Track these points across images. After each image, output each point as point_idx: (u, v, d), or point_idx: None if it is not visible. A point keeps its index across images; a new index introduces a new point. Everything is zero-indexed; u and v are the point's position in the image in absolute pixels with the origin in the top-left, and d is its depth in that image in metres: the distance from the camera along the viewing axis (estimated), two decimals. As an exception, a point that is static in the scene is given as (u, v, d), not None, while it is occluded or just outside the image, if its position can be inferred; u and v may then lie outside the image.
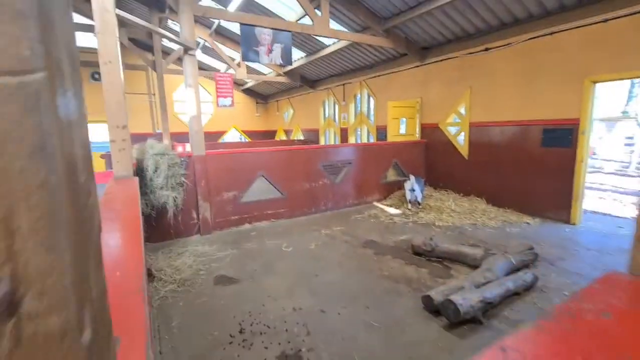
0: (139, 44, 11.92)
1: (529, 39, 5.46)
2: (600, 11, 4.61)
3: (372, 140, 9.56)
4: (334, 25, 7.29)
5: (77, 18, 9.40)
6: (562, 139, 5.19)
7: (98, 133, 11.53)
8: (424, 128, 7.72)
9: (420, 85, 7.70)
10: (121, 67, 2.44)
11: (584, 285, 2.76)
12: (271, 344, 2.51)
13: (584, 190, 5.15)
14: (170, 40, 4.86)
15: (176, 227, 4.87)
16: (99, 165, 9.21)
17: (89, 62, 10.06)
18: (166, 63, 9.23)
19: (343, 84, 10.45)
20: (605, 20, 4.61)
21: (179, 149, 8.84)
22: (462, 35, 6.45)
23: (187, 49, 4.82)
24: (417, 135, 7.82)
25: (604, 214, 5.73)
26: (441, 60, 7.06)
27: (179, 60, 8.10)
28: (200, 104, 5.03)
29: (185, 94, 5.04)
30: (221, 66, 13.33)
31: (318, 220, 5.92)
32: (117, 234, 1.01)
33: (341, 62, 9.49)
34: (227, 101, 9.02)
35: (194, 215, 5.05)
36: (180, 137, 12.68)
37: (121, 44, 8.61)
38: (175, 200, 4.49)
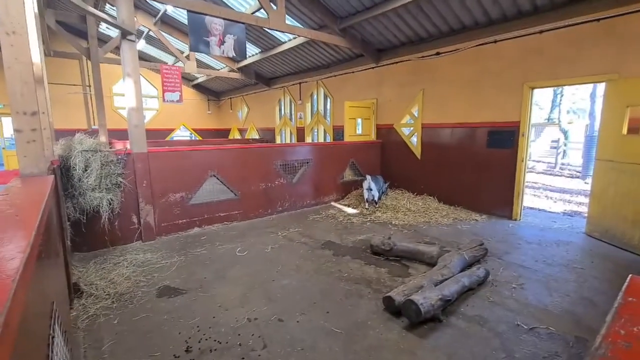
0: (71, 29, 10.66)
1: (475, 46, 5.77)
2: (536, 23, 5.00)
3: (329, 140, 9.52)
4: (290, 21, 7.10)
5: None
6: (505, 141, 5.55)
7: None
8: (379, 129, 7.84)
9: (375, 87, 7.81)
10: (36, 40, 2.01)
11: (528, 277, 2.86)
12: (222, 361, 2.24)
13: (523, 188, 5.55)
14: (106, 22, 4.30)
15: (112, 234, 4.31)
16: (14, 163, 7.97)
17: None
18: (103, 51, 8.28)
19: (299, 83, 10.29)
20: (541, 32, 5.00)
21: (119, 146, 8.00)
22: (415, 39, 6.65)
23: (125, 34, 4.30)
24: (372, 136, 7.92)
25: (539, 210, 6.25)
26: (395, 63, 7.22)
27: (118, 49, 7.29)
28: (141, 95, 4.53)
29: (124, 84, 4.50)
30: (168, 59, 12.43)
31: (274, 221, 5.68)
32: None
33: (297, 60, 9.33)
34: (175, 96, 8.37)
35: (135, 219, 4.52)
36: (122, 135, 11.54)
37: (48, 27, 7.58)
38: (110, 203, 3.96)
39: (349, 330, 2.60)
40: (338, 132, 9.01)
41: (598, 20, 4.44)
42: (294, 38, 7.99)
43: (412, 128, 7.08)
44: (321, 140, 10.09)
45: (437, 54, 6.37)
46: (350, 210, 6.31)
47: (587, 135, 11.26)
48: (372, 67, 7.76)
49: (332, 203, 6.90)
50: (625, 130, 4.21)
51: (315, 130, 10.31)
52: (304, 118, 10.45)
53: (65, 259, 2.75)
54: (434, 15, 5.72)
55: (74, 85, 11.78)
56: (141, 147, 4.49)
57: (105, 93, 8.96)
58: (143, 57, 12.57)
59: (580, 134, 14.34)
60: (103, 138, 8.02)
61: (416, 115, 6.95)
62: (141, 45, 10.75)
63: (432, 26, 6.06)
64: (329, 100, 9.46)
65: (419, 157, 6.99)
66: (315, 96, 10.03)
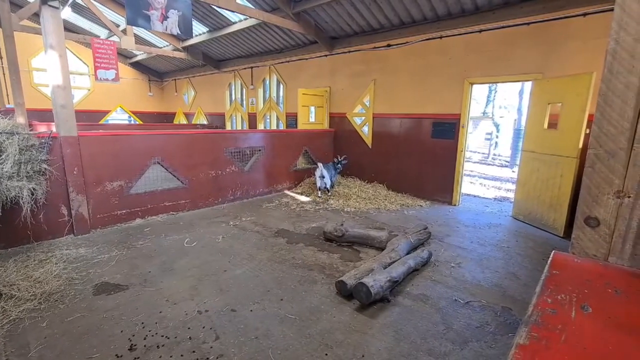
0: (-28, -13, 8.95)
1: (423, 40, 6.04)
2: (477, 22, 5.36)
3: (282, 127, 9.39)
4: (241, 0, 6.75)
5: None
6: (447, 132, 5.96)
7: None
8: (332, 117, 7.91)
9: (329, 75, 7.83)
10: None
11: (465, 257, 3.14)
12: (171, 357, 2.15)
13: (462, 176, 6.04)
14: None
15: (36, 228, 3.82)
16: None
17: None
18: (17, 18, 7.12)
19: (251, 67, 9.92)
20: (480, 31, 5.39)
21: (42, 129, 7.04)
22: (367, 29, 6.75)
23: (46, -2, 3.73)
24: (325, 124, 7.97)
25: (475, 196, 6.87)
26: (349, 52, 7.29)
27: (38, 16, 6.27)
28: (68, 71, 4.00)
29: (46, 57, 3.94)
30: (101, 32, 11.13)
31: (226, 210, 5.49)
32: None
33: (249, 43, 8.95)
34: (110, 74, 7.55)
35: (64, 211, 4.05)
36: (46, 116, 10.17)
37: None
38: (33, 193, 3.49)
39: (303, 315, 2.65)
40: (291, 119, 8.92)
41: (528, 24, 4.90)
42: (245, 19, 7.64)
43: (363, 117, 7.26)
44: (274, 127, 9.90)
45: (388, 45, 6.55)
46: (303, 198, 6.33)
47: (515, 128, 12.53)
48: (326, 55, 7.74)
49: (286, 191, 6.86)
50: (546, 125, 4.76)
51: (268, 116, 10.08)
52: (256, 104, 10.14)
53: (-24, 258, 2.38)
54: (386, 7, 5.84)
55: (-19, 55, 10.03)
56: (70, 130, 4.00)
57: (23, 67, 7.78)
58: (70, 28, 11.09)
59: (510, 128, 15.92)
60: (21, 119, 6.99)
61: (368, 105, 7.13)
62: (67, 13, 9.47)
63: (384, 18, 6.20)
64: (282, 86, 9.28)
65: (370, 146, 7.21)
66: (267, 82, 9.76)
